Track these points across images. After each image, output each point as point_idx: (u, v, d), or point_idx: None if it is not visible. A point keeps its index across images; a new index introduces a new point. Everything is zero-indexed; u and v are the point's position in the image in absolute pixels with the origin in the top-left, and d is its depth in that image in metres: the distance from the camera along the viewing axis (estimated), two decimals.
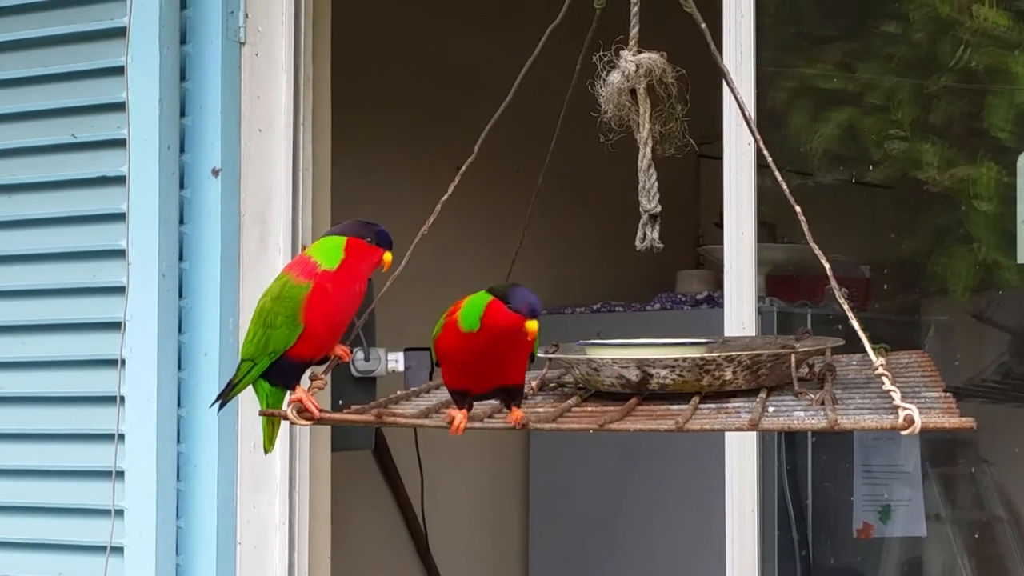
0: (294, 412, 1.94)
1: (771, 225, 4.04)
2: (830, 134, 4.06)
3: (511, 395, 1.95)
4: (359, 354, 4.22)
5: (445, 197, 2.13)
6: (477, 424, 1.92)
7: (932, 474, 4.26)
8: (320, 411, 1.95)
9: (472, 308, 1.93)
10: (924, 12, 3.89)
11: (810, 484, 4.27)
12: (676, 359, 2.05)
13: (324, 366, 2.13)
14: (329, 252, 2.07)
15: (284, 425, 2.09)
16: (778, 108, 4.02)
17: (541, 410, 2.05)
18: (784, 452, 4.21)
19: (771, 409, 1.98)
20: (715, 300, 5.17)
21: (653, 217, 2.03)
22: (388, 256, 2.08)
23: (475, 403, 1.98)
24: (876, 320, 4.29)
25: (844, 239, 4.45)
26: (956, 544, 4.24)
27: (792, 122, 4.05)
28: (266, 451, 2.21)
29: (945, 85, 3.91)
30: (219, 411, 2.36)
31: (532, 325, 1.92)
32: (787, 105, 4.04)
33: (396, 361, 4.26)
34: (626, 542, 5.44)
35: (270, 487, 3.63)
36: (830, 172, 4.25)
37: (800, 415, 1.91)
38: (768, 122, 3.90)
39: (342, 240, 2.08)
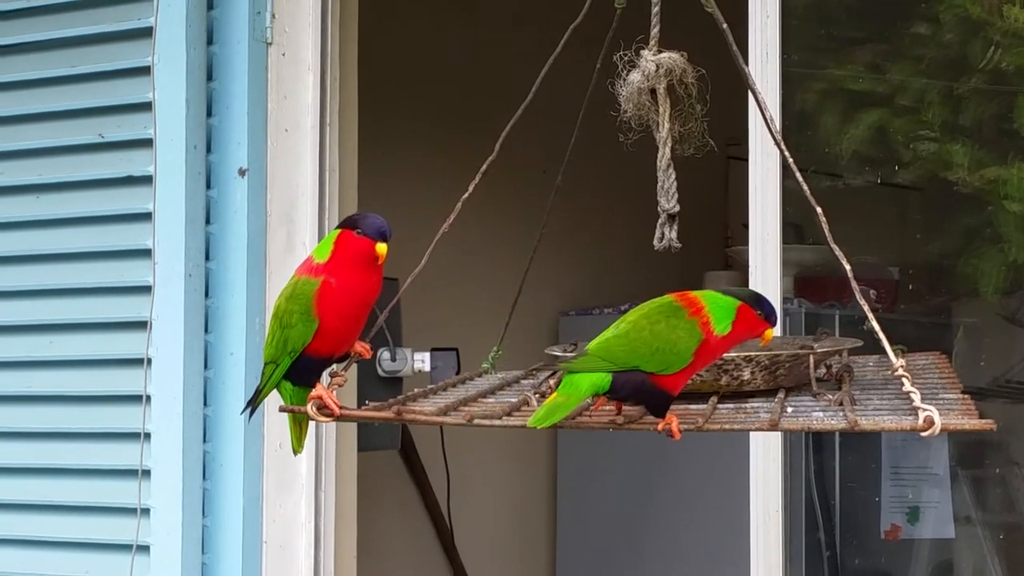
0: (314, 409, 1.95)
1: (799, 226, 4.02)
2: (860, 135, 4.05)
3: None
4: (385, 354, 4.23)
5: (466, 195, 2.13)
6: (490, 422, 1.91)
7: (962, 476, 4.24)
8: (340, 408, 1.96)
9: (723, 311, 1.98)
10: (954, 13, 3.88)
11: (837, 485, 4.26)
12: None
13: (344, 363, 2.13)
14: (323, 245, 2.09)
15: (311, 425, 2.10)
16: (808, 109, 4.01)
17: None
18: (811, 453, 4.20)
19: (790, 409, 1.98)
20: None
21: (672, 217, 2.03)
22: (382, 248, 2.07)
23: (492, 401, 1.97)
24: (904, 322, 4.27)
25: (873, 241, 4.44)
26: (986, 546, 4.22)
27: (822, 123, 4.04)
28: (295, 452, 2.23)
29: (975, 86, 3.90)
30: (249, 417, 2.38)
31: (769, 334, 1.99)
32: (817, 106, 4.04)
33: (423, 361, 4.27)
34: (653, 541, 5.44)
35: (296, 486, 3.64)
36: (860, 173, 4.24)
37: (819, 416, 1.91)
38: (797, 124, 3.89)
39: (336, 232, 2.10)
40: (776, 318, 2.05)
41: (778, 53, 3.37)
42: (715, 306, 1.99)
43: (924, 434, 1.73)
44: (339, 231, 2.10)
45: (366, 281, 2.08)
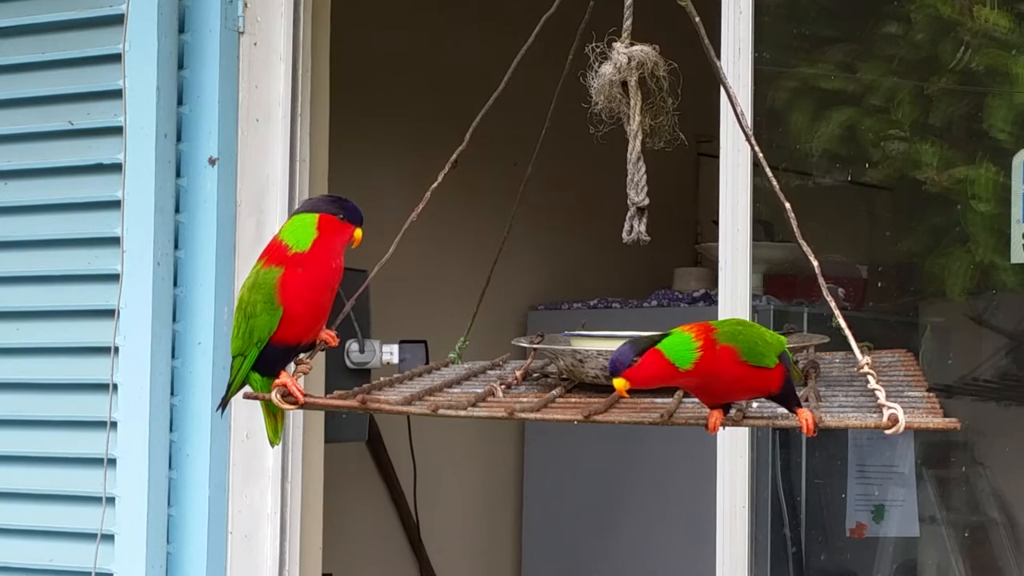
0: (278, 396, 1.94)
1: (769, 224, 4.03)
2: (830, 134, 4.06)
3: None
4: (354, 346, 4.22)
5: (435, 185, 2.13)
6: (455, 412, 1.90)
7: (927, 475, 4.25)
8: (305, 395, 1.95)
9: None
10: (925, 13, 3.89)
11: (804, 482, 4.27)
12: None
13: (310, 352, 2.13)
14: (301, 232, 2.06)
15: (286, 417, 2.09)
16: (778, 107, 4.01)
17: (525, 400, 2.04)
18: (778, 449, 4.21)
19: (755, 405, 1.98)
20: (712, 298, 5.17)
21: (641, 210, 2.03)
22: (359, 233, 2.07)
23: (458, 391, 1.97)
24: (872, 320, 4.29)
25: (842, 239, 4.45)
26: (950, 545, 4.24)
27: (793, 121, 4.05)
28: (272, 443, 2.22)
29: (945, 86, 3.91)
30: (222, 413, 2.37)
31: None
32: (787, 104, 4.04)
33: (391, 353, 4.27)
34: (619, 534, 5.45)
35: (262, 477, 3.63)
36: (829, 172, 4.24)
37: (784, 411, 1.91)
38: (768, 121, 3.90)
39: (314, 218, 2.08)
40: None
41: (750, 49, 3.38)
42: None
43: (888, 432, 1.73)
44: (317, 216, 2.08)
45: (331, 267, 2.07)
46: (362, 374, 4.23)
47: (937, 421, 1.75)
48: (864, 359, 1.89)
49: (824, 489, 4.32)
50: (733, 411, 1.88)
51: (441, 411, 1.89)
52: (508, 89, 2.21)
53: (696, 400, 2.02)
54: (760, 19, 3.45)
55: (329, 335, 2.13)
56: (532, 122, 2.45)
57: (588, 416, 1.86)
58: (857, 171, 4.21)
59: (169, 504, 3.59)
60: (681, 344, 1.80)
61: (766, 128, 3.85)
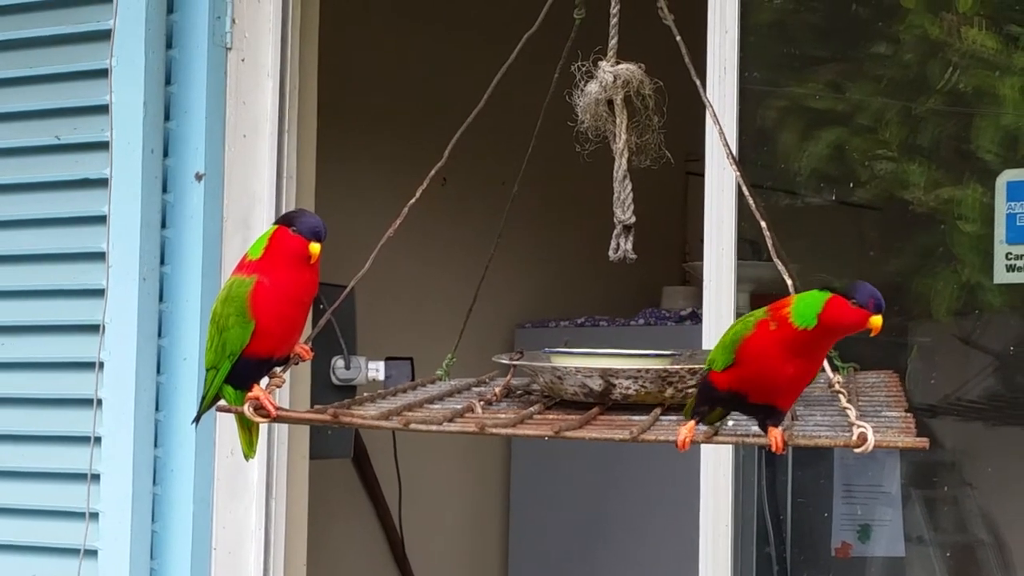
0: (251, 409, 1.94)
1: (755, 243, 4.03)
2: (819, 154, 4.06)
3: (775, 416, 1.87)
4: (339, 362, 4.22)
5: (412, 200, 2.13)
6: (427, 427, 1.90)
7: (915, 496, 4.25)
8: (277, 409, 1.96)
9: (810, 302, 1.85)
10: (914, 33, 3.89)
11: (789, 501, 4.27)
12: (639, 370, 2.05)
13: (283, 366, 2.13)
14: (258, 242, 2.08)
15: (263, 432, 2.09)
16: (767, 127, 4.02)
17: (502, 416, 2.04)
18: (763, 468, 4.21)
19: (731, 423, 1.98)
20: (699, 316, 5.15)
21: (627, 228, 2.03)
22: (315, 247, 2.06)
23: (437, 407, 1.96)
24: (858, 340, 4.27)
25: (829, 259, 4.44)
26: (938, 567, 4.24)
27: (781, 141, 4.05)
28: (247, 457, 2.22)
29: (933, 107, 3.91)
30: (196, 425, 2.37)
31: (877, 320, 1.86)
32: (776, 124, 4.04)
33: (377, 370, 4.26)
34: (605, 552, 5.44)
35: (247, 493, 3.62)
36: (818, 191, 4.25)
37: (757, 429, 1.90)
38: (756, 141, 3.90)
39: (272, 229, 2.10)
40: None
41: (736, 69, 3.38)
42: (802, 301, 1.87)
43: (858, 451, 1.74)
44: (275, 228, 2.09)
45: (300, 280, 2.07)
46: (347, 390, 4.23)
47: (906, 440, 1.76)
48: (835, 377, 1.90)
49: (809, 508, 4.31)
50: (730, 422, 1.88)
51: (413, 426, 1.89)
52: (497, 107, 2.22)
53: (674, 418, 2.02)
54: (747, 39, 3.45)
55: (304, 349, 2.13)
56: (521, 141, 2.45)
57: (558, 432, 1.86)
58: (845, 191, 4.21)
59: (153, 520, 3.59)
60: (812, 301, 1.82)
61: (754, 148, 3.85)
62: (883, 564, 4.29)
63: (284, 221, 2.09)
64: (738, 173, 2.03)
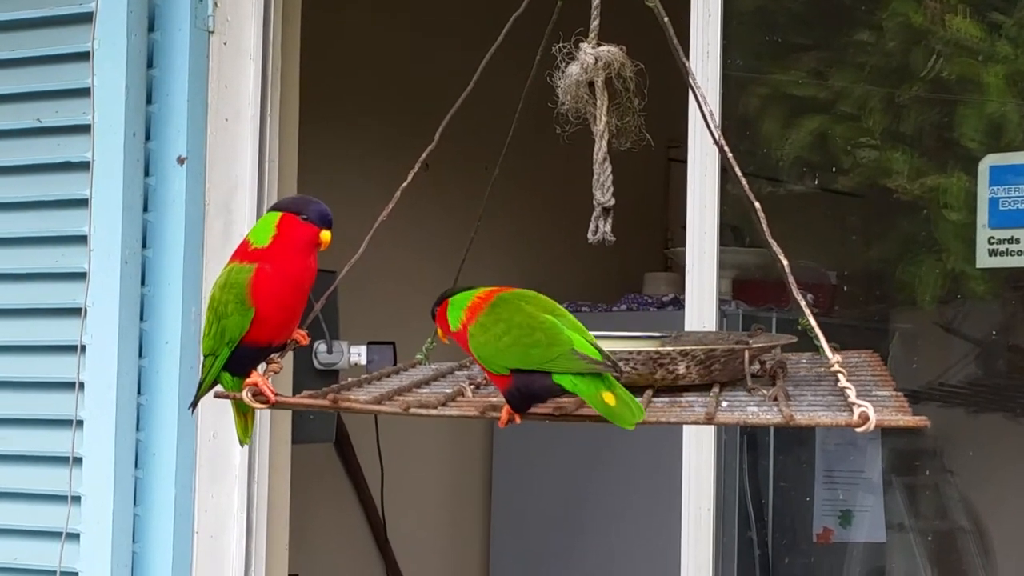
0: (249, 395, 1.93)
1: (737, 228, 4.04)
2: (801, 141, 4.07)
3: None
4: (322, 347, 4.21)
5: (405, 184, 2.12)
6: (426, 411, 1.90)
7: (896, 483, 4.26)
8: (276, 395, 1.95)
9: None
10: (897, 21, 3.90)
11: (771, 486, 4.27)
12: (630, 352, 2.04)
13: (281, 351, 2.12)
14: (262, 230, 2.06)
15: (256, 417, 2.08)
16: (750, 114, 4.02)
17: (496, 399, 2.02)
18: (745, 452, 4.21)
19: (725, 404, 1.97)
20: (681, 302, 5.14)
21: (606, 210, 2.02)
22: (326, 235, 2.05)
23: (427, 391, 1.95)
24: (841, 326, 4.29)
25: (812, 246, 4.45)
26: (919, 553, 4.25)
27: (763, 128, 4.06)
28: (242, 443, 2.21)
29: (917, 94, 3.92)
30: (192, 412, 2.37)
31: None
32: (759, 111, 4.05)
33: (359, 355, 4.26)
34: (587, 536, 5.44)
35: (229, 477, 3.62)
36: (800, 179, 4.25)
37: (754, 410, 1.90)
38: (738, 127, 3.90)
39: (276, 216, 2.07)
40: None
41: (719, 53, 3.39)
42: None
43: (859, 430, 1.72)
44: (280, 214, 2.07)
45: (302, 266, 2.06)
46: (330, 375, 4.22)
47: (907, 419, 1.75)
48: (835, 357, 1.89)
49: (791, 494, 4.32)
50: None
51: (412, 410, 1.88)
52: (479, 92, 2.21)
53: (666, 399, 2.02)
54: (731, 25, 3.46)
55: (301, 334, 2.12)
56: (503, 125, 2.44)
57: (561, 415, 1.86)
58: (828, 178, 4.22)
59: (135, 503, 3.58)
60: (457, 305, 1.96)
61: (736, 135, 3.85)
62: (864, 550, 4.30)
63: (289, 208, 2.07)
64: (729, 154, 2.02)
